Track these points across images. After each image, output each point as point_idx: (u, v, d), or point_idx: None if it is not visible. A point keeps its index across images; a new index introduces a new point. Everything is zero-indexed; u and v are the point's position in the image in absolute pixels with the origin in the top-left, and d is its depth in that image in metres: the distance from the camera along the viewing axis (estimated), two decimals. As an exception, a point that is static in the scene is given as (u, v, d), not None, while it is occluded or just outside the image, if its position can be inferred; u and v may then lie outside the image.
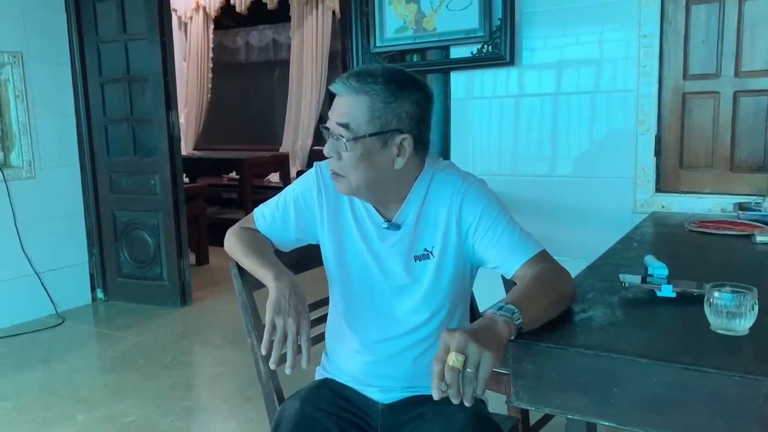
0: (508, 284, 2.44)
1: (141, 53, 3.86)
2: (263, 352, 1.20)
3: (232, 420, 2.63)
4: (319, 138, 6.97)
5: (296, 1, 6.52)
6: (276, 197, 1.48)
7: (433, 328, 1.36)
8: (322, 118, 6.83)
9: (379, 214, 1.35)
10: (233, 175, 6.49)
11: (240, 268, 1.45)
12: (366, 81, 1.23)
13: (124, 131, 4.00)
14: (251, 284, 1.45)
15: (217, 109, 7.58)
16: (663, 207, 2.31)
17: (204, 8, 7.07)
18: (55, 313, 3.87)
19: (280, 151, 6.95)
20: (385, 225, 1.33)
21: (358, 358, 1.39)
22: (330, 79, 6.64)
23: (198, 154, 6.99)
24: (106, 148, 4.05)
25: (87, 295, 4.15)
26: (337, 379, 1.45)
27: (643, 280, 1.28)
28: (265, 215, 1.46)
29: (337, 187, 1.32)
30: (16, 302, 3.75)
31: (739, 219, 1.95)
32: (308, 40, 6.59)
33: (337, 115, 1.25)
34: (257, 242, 1.42)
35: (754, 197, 2.10)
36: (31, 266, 3.81)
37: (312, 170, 1.44)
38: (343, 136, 1.23)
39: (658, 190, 2.36)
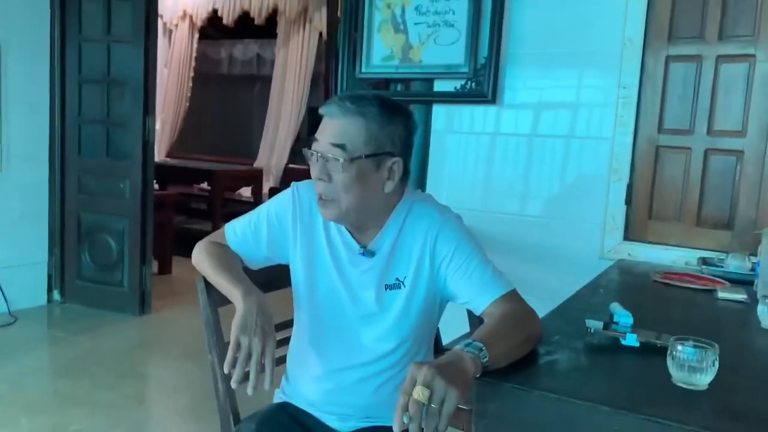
0: (473, 319, 2.45)
1: (124, 56, 3.83)
2: (226, 370, 1.17)
3: (183, 436, 2.57)
4: (294, 156, 6.96)
5: (284, 19, 6.55)
6: (249, 214, 1.47)
7: (397, 358, 1.36)
8: (300, 137, 6.83)
9: (355, 240, 1.35)
10: (204, 185, 6.42)
11: (207, 283, 1.43)
12: (362, 103, 1.24)
13: (98, 133, 3.94)
14: (216, 300, 1.43)
15: (193, 118, 7.53)
16: (630, 255, 2.35)
17: (191, 17, 7.06)
18: (8, 311, 3.75)
19: (254, 165, 6.91)
20: (361, 251, 1.33)
21: (319, 385, 1.38)
22: (312, 99, 6.66)
23: (170, 161, 6.92)
24: (78, 148, 3.98)
25: (43, 296, 4.04)
26: (296, 404, 1.43)
27: (607, 327, 1.30)
28: (236, 231, 1.45)
29: (323, 213, 1.30)
30: (-33, 297, 3.64)
31: (702, 273, 1.99)
32: (293, 59, 6.61)
33: (331, 135, 1.24)
34: (226, 258, 1.40)
35: (717, 253, 2.15)
36: (-13, 261, 3.70)
37: (289, 190, 1.43)
38: (338, 158, 1.22)
39: (626, 238, 2.40)
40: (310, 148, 1.28)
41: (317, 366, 1.38)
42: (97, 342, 3.49)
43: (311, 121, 6.72)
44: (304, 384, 1.41)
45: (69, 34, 3.91)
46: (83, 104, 3.95)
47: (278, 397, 1.48)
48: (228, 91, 8.01)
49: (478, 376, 1.04)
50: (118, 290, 3.95)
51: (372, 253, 1.33)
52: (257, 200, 6.28)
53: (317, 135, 1.27)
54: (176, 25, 7.18)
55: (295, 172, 6.89)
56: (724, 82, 2.24)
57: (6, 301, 3.77)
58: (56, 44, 3.90)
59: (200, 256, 1.43)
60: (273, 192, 6.02)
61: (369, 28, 2.77)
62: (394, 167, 1.27)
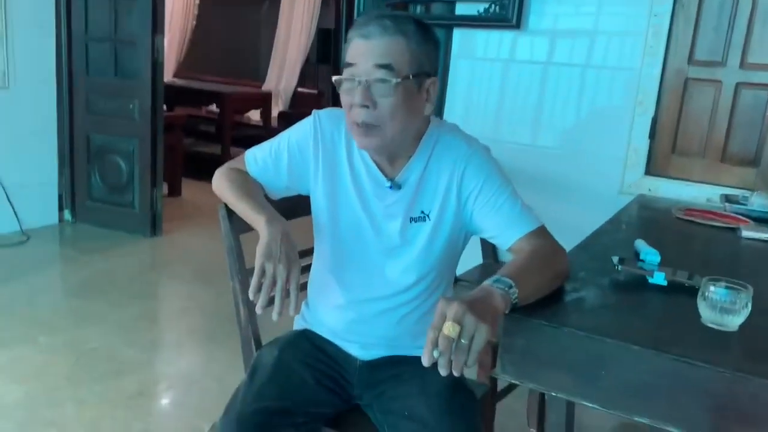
0: (487, 250, 2.45)
1: (130, -30, 3.68)
2: (251, 296, 1.15)
3: (196, 356, 2.62)
4: (304, 80, 6.82)
5: (295, -66, 6.28)
6: (269, 141, 1.42)
7: (420, 291, 1.35)
8: (309, 60, 6.67)
9: (381, 171, 1.31)
10: (213, 107, 6.33)
11: (228, 210, 1.41)
12: (400, 21, 1.18)
13: (105, 51, 3.84)
14: (238, 227, 1.41)
15: (200, 38, 7.34)
16: (650, 190, 2.31)
17: (198, -70, 6.76)
18: (20, 230, 3.77)
19: (262, 88, 6.79)
20: (388, 184, 1.29)
21: (341, 314, 1.37)
22: (322, 21, 6.46)
23: (178, 82, 6.78)
24: (86, 66, 3.89)
25: (54, 215, 4.05)
26: (317, 331, 1.43)
27: (632, 264, 1.28)
28: (257, 159, 1.41)
29: (363, 142, 1.24)
30: (-22, 216, 3.65)
31: (725, 211, 1.96)
32: (303, -22, 6.38)
33: (375, 56, 1.17)
34: (249, 185, 1.37)
35: (741, 191, 2.11)
36: (-2, 180, 3.69)
37: (310, 118, 1.38)
38: (388, 79, 1.17)
39: (647, 172, 2.36)
40: (340, 74, 1.22)
41: (339, 296, 1.37)
42: (109, 262, 3.52)
43: (321, 44, 6.55)
44: (326, 312, 1.41)
45: (73, -55, 3.75)
46: (90, 21, 3.83)
47: (299, 324, 1.48)
48: (235, 11, 7.76)
49: (507, 312, 1.02)
50: (129, 211, 3.95)
51: (399, 186, 1.30)
52: (266, 124, 6.21)
53: (352, 59, 1.19)
54: (182, -61, 6.89)
55: (304, 96, 6.78)
56: (762, 12, 2.13)
57: (18, 220, 3.78)
58: (60, -44, 3.75)
59: (221, 183, 1.40)
60: (282, 116, 5.95)
61: (389, -55, 2.63)
62: (431, 88, 1.24)
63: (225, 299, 2.99)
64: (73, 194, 4.06)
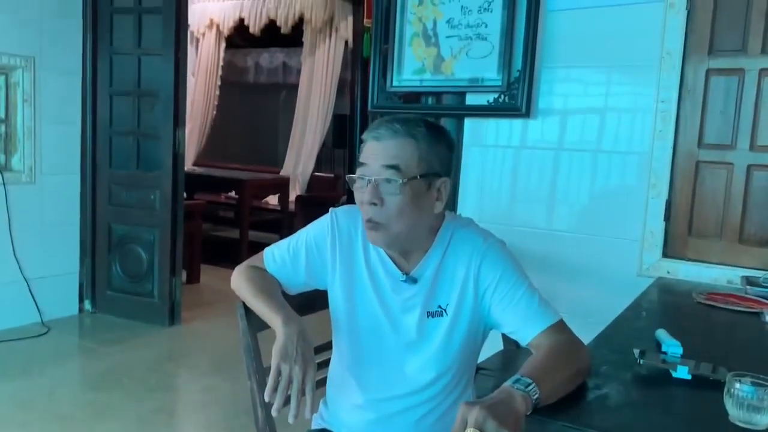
0: (508, 337, 2.41)
1: (154, 68, 3.86)
2: (267, 398, 1.15)
3: (214, 452, 2.57)
4: (320, 164, 6.97)
5: (310, 28, 6.57)
6: (287, 239, 1.45)
7: (439, 389, 1.33)
8: (326, 145, 6.84)
9: (396, 266, 1.32)
10: (232, 194, 6.45)
11: (246, 309, 1.42)
12: (411, 125, 1.24)
13: (129, 144, 3.98)
14: (256, 325, 1.42)
15: (220, 126, 7.58)
16: (669, 273, 2.30)
17: (218, 26, 7.10)
18: (41, 321, 3.80)
19: (280, 174, 6.94)
20: (403, 278, 1.31)
21: (361, 414, 1.36)
22: (337, 107, 6.66)
23: (197, 170, 6.96)
24: (109, 159, 4.02)
25: (74, 306, 4.08)
26: (335, 431, 1.41)
27: (654, 356, 1.26)
28: (275, 256, 1.43)
29: (372, 237, 1.27)
30: (4, 307, 3.68)
31: (747, 294, 1.93)
32: (319, 67, 6.62)
33: (383, 158, 1.22)
34: (266, 283, 1.39)
35: (762, 272, 2.09)
36: (21, 272, 3.74)
37: (327, 216, 1.42)
38: (395, 179, 1.21)
39: (665, 255, 2.35)
40: (353, 173, 1.27)
41: (358, 395, 1.36)
42: (127, 354, 3.52)
43: (337, 129, 6.73)
44: (345, 412, 1.39)
45: (101, 48, 3.95)
46: (114, 116, 3.99)
47: (316, 423, 1.46)
48: (254, 100, 8.05)
49: (528, 413, 1.01)
50: (149, 301, 3.97)
51: (414, 280, 1.31)
52: (284, 208, 6.30)
53: (364, 159, 1.25)
54: (203, 34, 7.23)
55: (320, 180, 6.91)
56: (767, 95, 2.18)
57: (39, 312, 3.81)
58: (88, 58, 3.95)
59: (240, 282, 1.42)
60: (299, 200, 6.04)
61: (400, 40, 2.75)
62: (442, 188, 1.27)
63: (243, 391, 2.95)
64: (93, 284, 4.11)
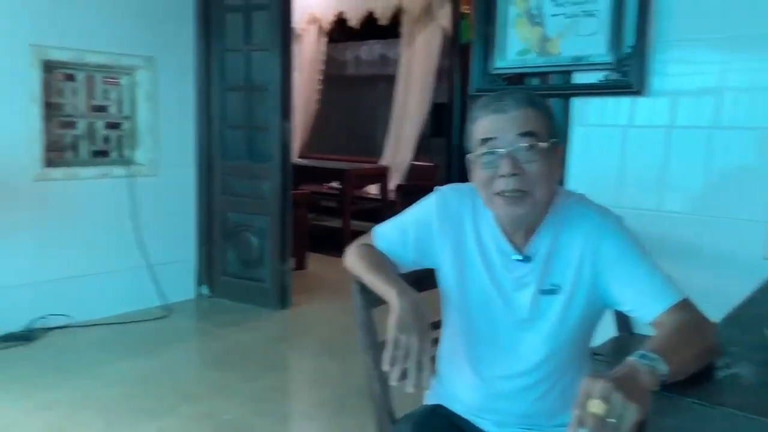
0: (621, 322, 2.34)
1: (262, 63, 4.02)
2: (386, 367, 1.17)
3: (327, 430, 2.66)
4: (419, 153, 7.00)
5: (408, 18, 6.59)
6: (395, 218, 1.48)
7: (554, 366, 1.32)
8: (424, 134, 6.85)
9: (509, 243, 1.32)
10: (334, 184, 6.61)
11: (360, 285, 1.46)
12: (528, 95, 1.24)
13: (240, 137, 4.17)
14: (371, 301, 1.46)
15: (321, 119, 7.78)
16: (800, 255, 2.14)
17: (319, 21, 7.28)
18: (162, 305, 4.06)
19: (379, 163, 7.03)
20: (518, 257, 1.30)
21: (475, 390, 1.36)
22: (436, 96, 6.66)
23: (302, 162, 7.17)
24: (223, 151, 4.23)
25: (192, 290, 4.34)
26: (449, 407, 1.43)
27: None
28: (384, 234, 1.47)
29: (513, 211, 1.24)
30: (126, 291, 3.97)
31: None
32: (417, 57, 6.64)
33: (517, 127, 1.21)
34: (379, 259, 1.42)
35: None
36: (144, 258, 4.01)
37: (432, 195, 1.42)
38: (532, 145, 1.21)
39: (795, 236, 2.19)
40: (458, 159, 1.27)
41: (472, 372, 1.37)
42: (242, 335, 3.70)
43: (435, 118, 6.73)
44: (459, 388, 1.40)
45: (214, 46, 4.16)
46: (227, 111, 4.20)
47: (429, 399, 1.49)
48: (353, 92, 8.19)
49: (655, 390, 0.98)
50: (261, 285, 4.16)
51: (528, 258, 1.30)
52: (384, 197, 6.39)
53: (491, 134, 1.23)
54: (305, 30, 7.43)
55: (419, 168, 6.94)
56: None
57: (160, 296, 4.08)
58: (202, 56, 4.16)
59: (353, 259, 1.46)
60: (400, 189, 6.10)
61: (503, 22, 2.71)
62: (560, 155, 1.27)
63: (352, 372, 3.06)
64: (209, 270, 4.35)
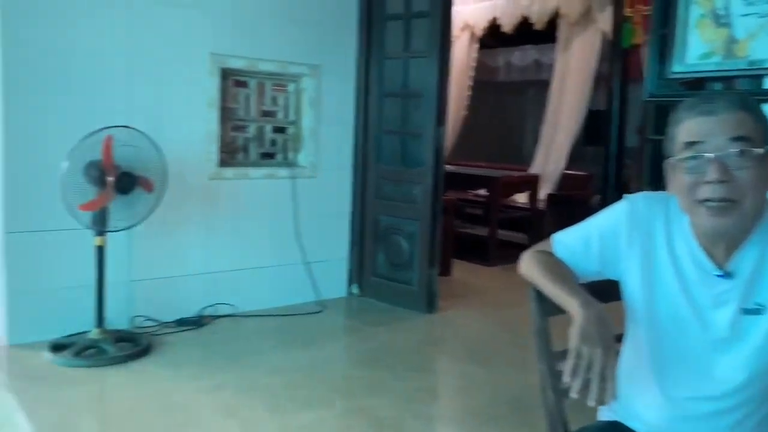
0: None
1: (419, 70, 4.09)
2: (566, 378, 1.14)
3: (479, 436, 2.64)
4: (571, 161, 6.77)
5: (565, 22, 6.42)
6: (577, 226, 1.43)
7: (753, 393, 1.22)
8: (578, 142, 6.61)
9: (709, 258, 1.23)
10: (481, 191, 6.57)
11: (537, 293, 1.43)
12: (740, 97, 1.15)
13: (395, 142, 4.28)
14: (547, 310, 1.43)
15: (469, 125, 7.77)
16: None
17: (471, 28, 7.28)
18: (316, 300, 4.24)
19: (529, 171, 6.88)
20: (719, 273, 1.21)
21: (660, 410, 1.29)
22: (592, 102, 6.42)
23: (449, 168, 7.19)
24: (378, 156, 4.36)
25: (344, 289, 4.50)
26: (628, 424, 1.36)
27: None
28: (565, 242, 1.42)
29: (717, 222, 1.16)
30: (285, 286, 4.19)
31: None
32: (573, 62, 6.45)
33: (727, 131, 1.13)
34: (560, 268, 1.38)
35: None
36: (302, 255, 4.22)
37: (622, 203, 1.35)
38: (745, 151, 1.13)
39: None
40: (672, 156, 1.20)
41: (658, 390, 1.29)
42: (390, 335, 3.78)
43: (590, 126, 6.49)
44: (640, 406, 1.33)
45: (373, 53, 4.30)
46: (383, 116, 4.31)
47: (606, 415, 1.42)
48: (501, 98, 8.11)
49: None
50: (409, 288, 4.22)
51: (730, 274, 1.20)
52: (533, 206, 6.25)
53: (696, 137, 1.16)
54: (457, 37, 7.46)
55: (572, 177, 6.71)
56: None
57: (315, 292, 4.26)
58: (363, 63, 4.32)
59: (530, 266, 1.43)
60: (551, 198, 5.94)
61: (684, 23, 2.56)
62: None
63: (500, 381, 3.03)
64: (360, 270, 4.49)
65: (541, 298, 1.42)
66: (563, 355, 1.21)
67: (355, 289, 4.51)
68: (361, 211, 4.44)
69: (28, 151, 3.23)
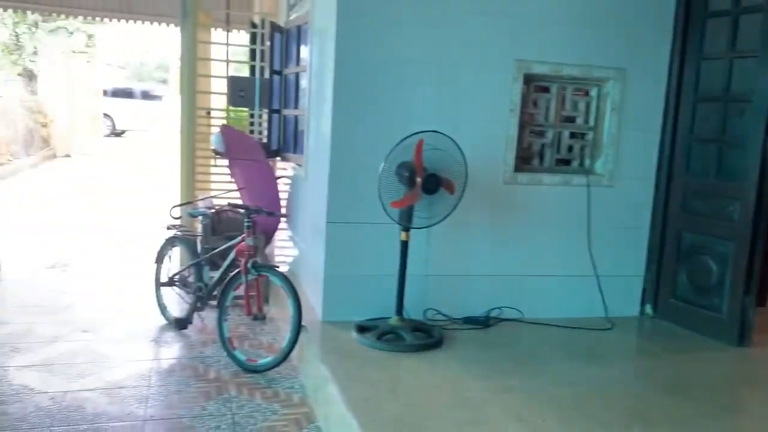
0: None
1: (747, 71, 3.62)
2: None
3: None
4: None
5: None
6: None
7: None
8: None
9: None
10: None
11: None
12: None
13: (709, 151, 3.85)
14: None
15: None
16: None
17: None
18: (605, 317, 4.02)
19: None
20: None
21: None
22: None
23: None
24: (686, 166, 3.97)
25: (635, 308, 4.20)
26: None
27: None
28: None
29: None
30: (573, 297, 4.05)
31: None
32: None
33: None
34: None
35: None
36: (593, 268, 4.03)
37: None
38: None
39: None
40: None
41: None
42: (692, 365, 3.41)
43: None
44: None
45: (688, 55, 3.93)
46: (696, 123, 3.92)
47: None
48: None
49: None
50: (715, 316, 3.77)
51: None
52: None
53: None
54: None
55: None
56: None
57: (605, 307, 4.05)
58: (674, 65, 3.97)
59: None
60: None
61: None
62: None
63: None
64: (656, 290, 4.14)
65: None
66: None
67: (648, 310, 4.18)
68: (662, 225, 4.09)
69: (348, 154, 3.62)
